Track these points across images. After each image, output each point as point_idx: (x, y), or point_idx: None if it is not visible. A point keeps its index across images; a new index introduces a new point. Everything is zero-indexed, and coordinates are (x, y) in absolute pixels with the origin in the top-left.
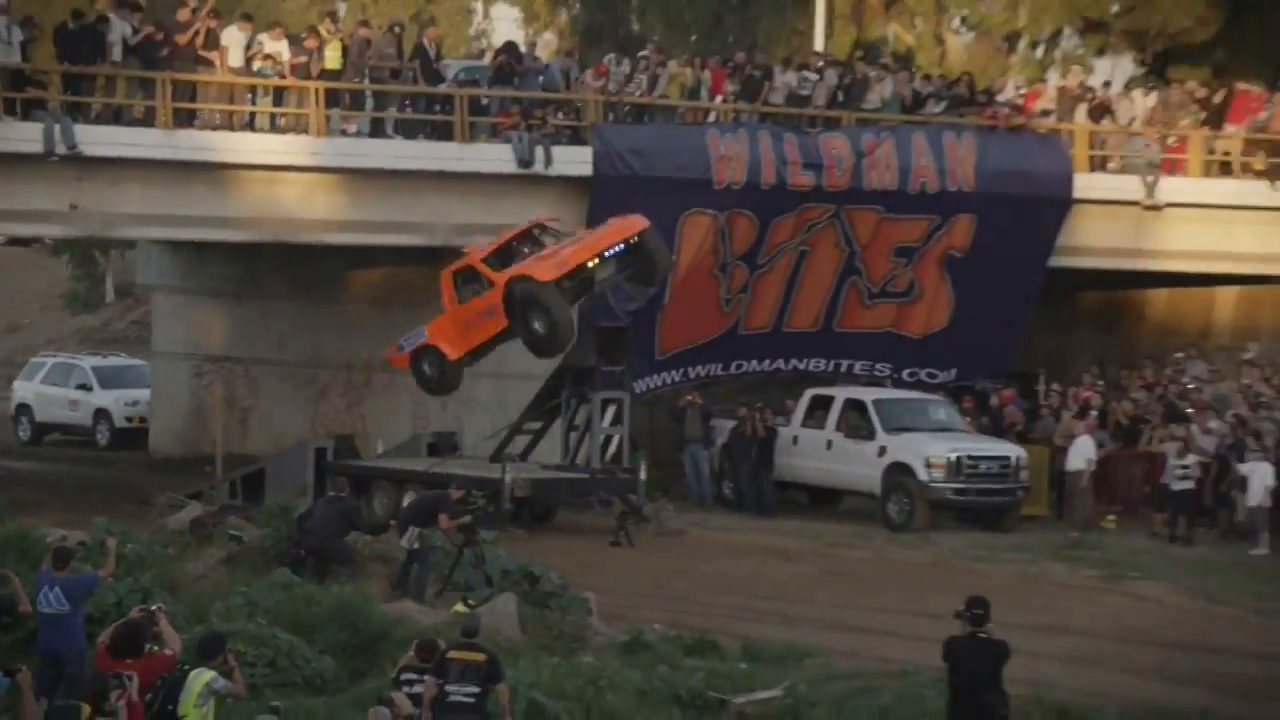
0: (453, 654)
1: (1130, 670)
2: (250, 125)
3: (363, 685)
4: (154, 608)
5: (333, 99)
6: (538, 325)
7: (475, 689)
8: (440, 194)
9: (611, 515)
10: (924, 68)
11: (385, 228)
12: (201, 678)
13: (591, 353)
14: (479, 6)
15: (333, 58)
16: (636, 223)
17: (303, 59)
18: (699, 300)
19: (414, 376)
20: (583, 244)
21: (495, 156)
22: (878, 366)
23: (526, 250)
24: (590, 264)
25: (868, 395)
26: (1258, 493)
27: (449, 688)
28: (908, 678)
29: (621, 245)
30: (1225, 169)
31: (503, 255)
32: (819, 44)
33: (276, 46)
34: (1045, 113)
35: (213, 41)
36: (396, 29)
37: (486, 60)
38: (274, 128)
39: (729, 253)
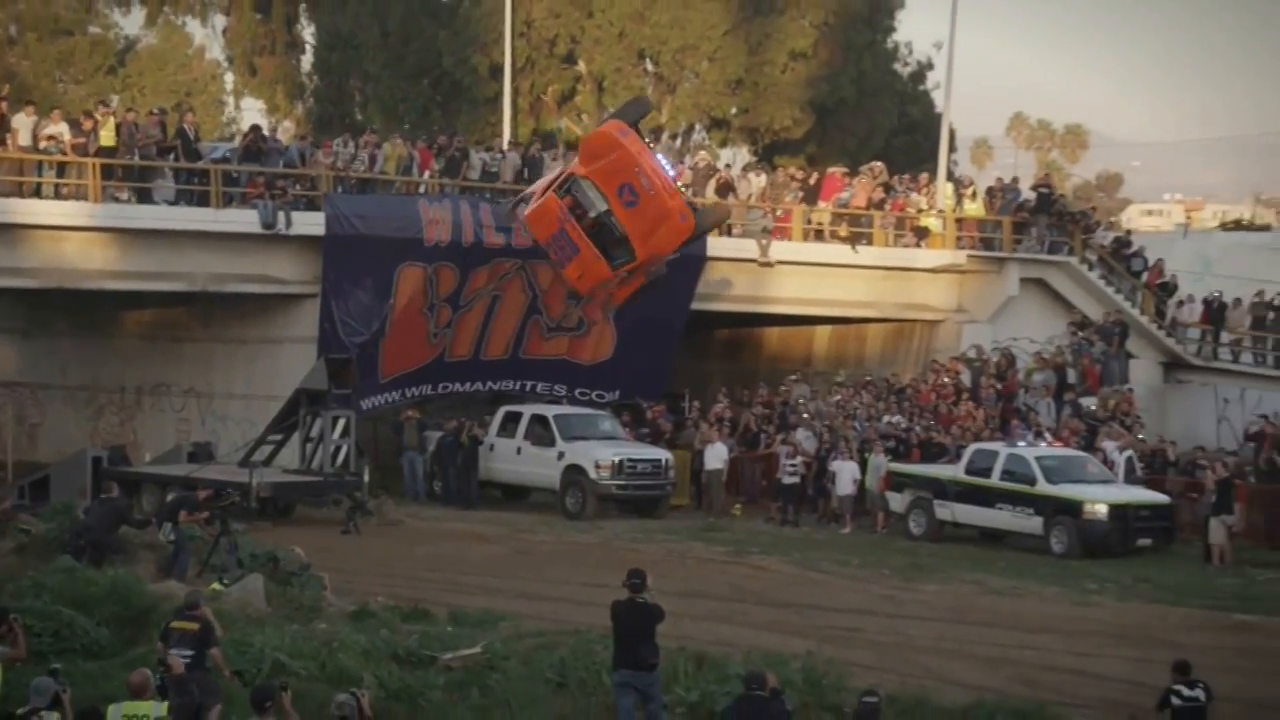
0: (174, 624)
1: (752, 625)
2: (38, 193)
3: (134, 651)
4: None
5: (108, 171)
6: None
7: (190, 652)
8: (198, 250)
9: (341, 510)
10: None
11: (152, 277)
12: None
13: (324, 378)
14: (230, 99)
15: (107, 136)
16: None
17: (81, 139)
18: (412, 334)
19: None
20: None
21: (244, 219)
22: (556, 387)
23: None
24: None
25: (549, 411)
26: (845, 485)
27: (170, 650)
28: (581, 636)
29: None
30: (819, 235)
31: None
32: (506, 132)
33: (58, 128)
34: (685, 188)
35: (4, 125)
36: (160, 114)
37: (237, 141)
38: (58, 195)
39: (436, 296)
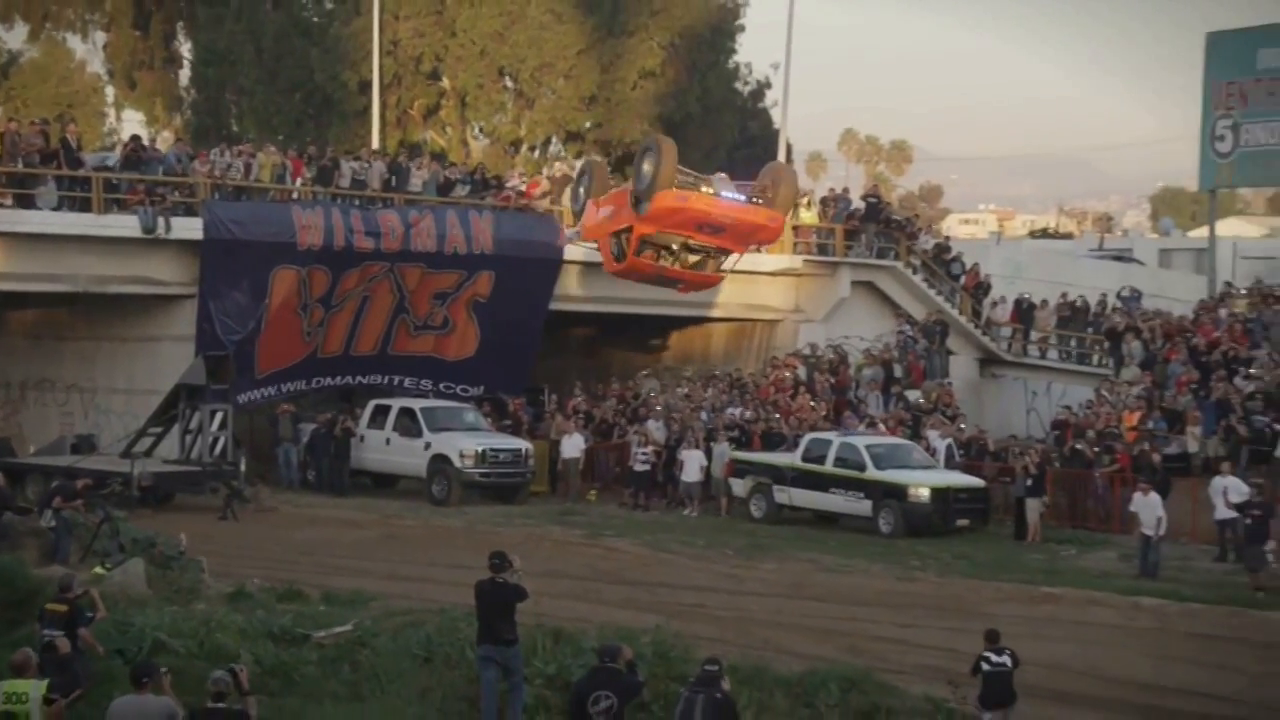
0: (48, 605)
1: (605, 602)
2: None
3: (18, 632)
4: None
5: None
6: None
7: (59, 632)
8: (81, 253)
9: (219, 498)
10: (454, 162)
11: (36, 279)
12: None
13: (202, 374)
14: (111, 111)
15: None
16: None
17: None
18: (287, 333)
19: None
20: None
21: (125, 224)
22: (422, 382)
23: None
24: None
25: (416, 404)
26: (692, 472)
27: (43, 631)
28: (446, 614)
29: None
30: None
31: None
32: (374, 143)
33: None
34: (543, 196)
35: None
36: (43, 124)
37: (118, 151)
38: None
39: (309, 297)
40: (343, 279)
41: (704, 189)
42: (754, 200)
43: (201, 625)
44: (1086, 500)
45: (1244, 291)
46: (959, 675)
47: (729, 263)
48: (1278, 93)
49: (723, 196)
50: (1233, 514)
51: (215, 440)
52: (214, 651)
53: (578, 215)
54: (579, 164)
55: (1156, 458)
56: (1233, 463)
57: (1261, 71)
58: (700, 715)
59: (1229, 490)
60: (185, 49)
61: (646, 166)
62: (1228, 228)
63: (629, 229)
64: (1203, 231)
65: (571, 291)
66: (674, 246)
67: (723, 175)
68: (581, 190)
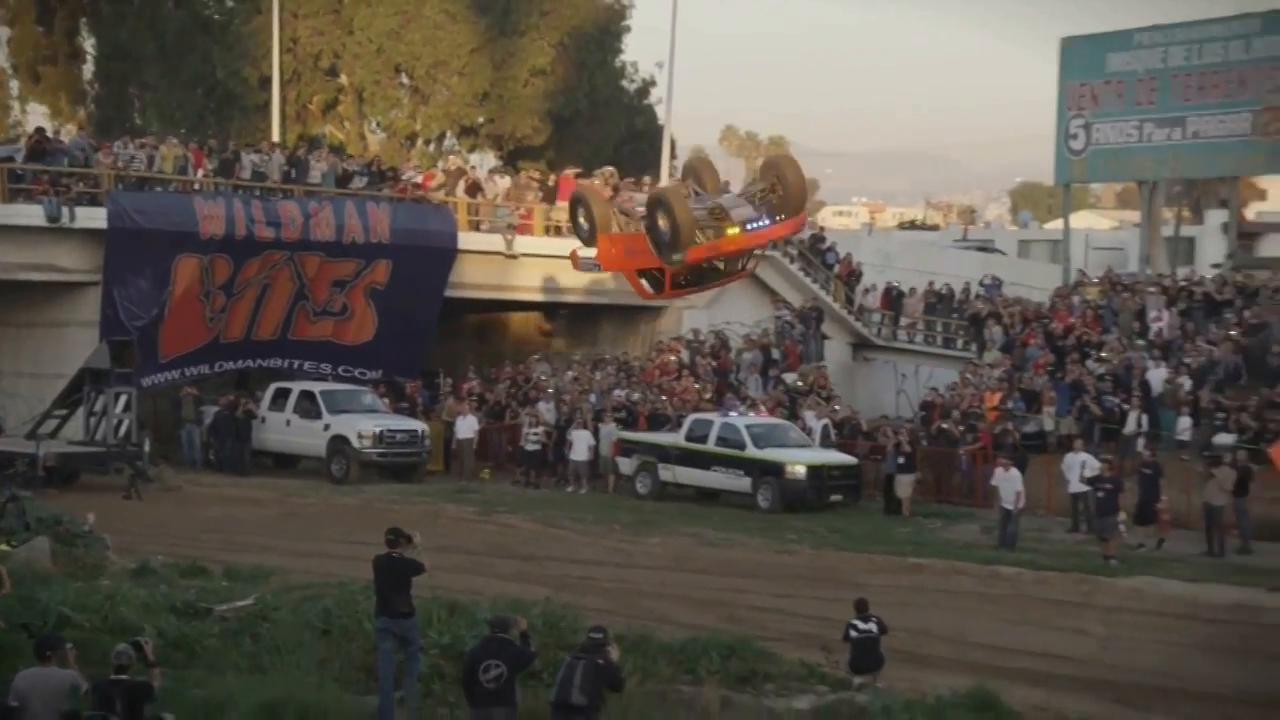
0: None
1: (498, 576)
2: None
3: None
4: None
5: None
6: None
7: None
8: None
9: (123, 478)
10: (352, 155)
11: None
12: None
13: (107, 358)
14: (15, 104)
15: None
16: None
17: None
18: (190, 319)
19: None
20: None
21: (30, 214)
22: (321, 366)
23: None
24: None
25: (316, 387)
26: (581, 451)
27: None
28: (345, 587)
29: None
30: (558, 231)
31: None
32: (275, 136)
33: None
34: (438, 188)
35: None
36: None
37: (23, 143)
38: None
39: (211, 284)
40: (244, 267)
41: (725, 226)
42: (767, 198)
43: (106, 600)
44: (952, 476)
45: (1096, 280)
46: (832, 641)
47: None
48: (1125, 94)
49: (749, 229)
50: (1085, 488)
51: (119, 422)
52: (118, 625)
53: (585, 242)
54: (572, 190)
55: (1015, 436)
56: (1085, 440)
57: (1110, 75)
58: (579, 679)
59: (1084, 465)
60: (89, 44)
61: (663, 223)
62: (1081, 220)
63: (660, 268)
64: (1058, 224)
65: (466, 279)
66: (704, 267)
67: (731, 194)
68: (583, 221)
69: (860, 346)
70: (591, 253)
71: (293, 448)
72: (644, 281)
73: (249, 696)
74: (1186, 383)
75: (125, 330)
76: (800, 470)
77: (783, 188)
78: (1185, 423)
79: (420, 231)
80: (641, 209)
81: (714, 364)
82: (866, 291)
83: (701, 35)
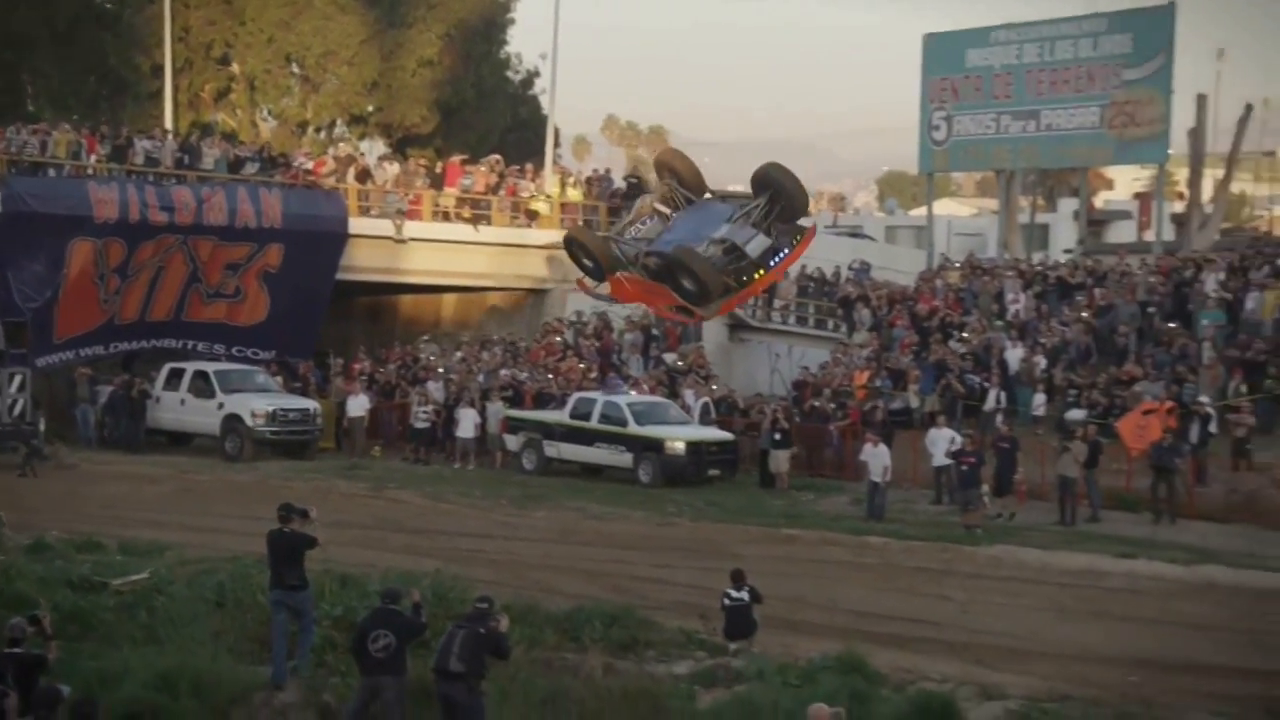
0: None
1: (389, 549)
2: None
3: None
4: None
5: None
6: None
7: None
8: None
9: (19, 456)
10: (243, 142)
11: None
12: None
13: (1, 339)
14: None
15: None
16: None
17: None
18: (84, 301)
19: None
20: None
21: None
22: (215, 347)
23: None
24: None
25: (210, 367)
26: (467, 429)
27: None
28: (239, 561)
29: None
30: (446, 216)
31: None
32: (168, 123)
33: None
34: (329, 174)
35: None
36: None
37: None
38: None
39: (106, 267)
40: (138, 250)
41: (753, 270)
42: (769, 217)
43: (1, 575)
44: (823, 451)
45: (957, 264)
46: (709, 610)
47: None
48: (984, 89)
49: (773, 265)
50: (949, 462)
51: (14, 402)
52: (14, 599)
53: (596, 279)
54: (565, 237)
55: (883, 412)
56: (948, 416)
57: (970, 69)
58: (458, 647)
59: (953, 440)
60: None
61: (687, 283)
62: (943, 207)
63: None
64: (922, 211)
65: (357, 263)
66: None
67: (724, 205)
68: (586, 262)
69: (736, 328)
70: (604, 287)
71: (187, 426)
72: (674, 309)
73: (144, 668)
74: (1041, 361)
75: (19, 312)
76: (680, 446)
77: (784, 199)
78: (1040, 399)
79: (312, 216)
80: (642, 227)
81: (597, 345)
82: None
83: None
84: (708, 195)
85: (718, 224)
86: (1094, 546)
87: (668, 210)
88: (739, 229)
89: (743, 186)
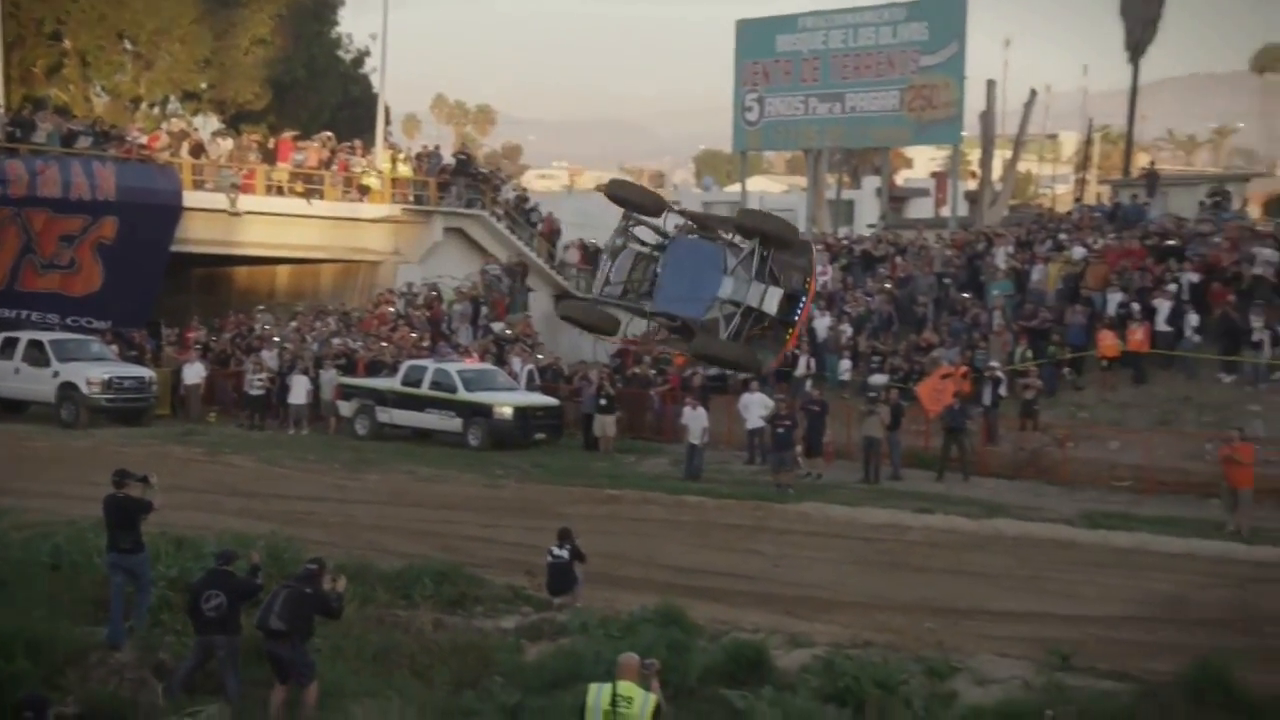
0: None
1: (224, 512)
2: None
3: None
4: None
5: None
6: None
7: None
8: None
9: None
10: (76, 116)
11: None
12: None
13: None
14: None
15: None
16: None
17: None
18: None
19: None
20: None
21: None
22: (49, 316)
23: None
24: None
25: (45, 336)
26: (299, 396)
27: None
28: (74, 525)
29: None
30: (280, 191)
31: None
32: (0, 97)
33: None
34: (163, 149)
35: None
36: None
37: None
38: None
39: None
40: None
41: (782, 333)
42: (765, 262)
43: None
44: (644, 415)
45: None
46: (535, 567)
47: None
48: (793, 72)
49: (795, 318)
50: (761, 424)
51: None
52: None
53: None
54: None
55: (701, 378)
56: (760, 381)
57: (780, 54)
58: (279, 605)
59: (759, 404)
60: None
61: (721, 362)
62: (756, 184)
63: None
64: (737, 188)
65: (192, 235)
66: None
67: (741, 283)
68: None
69: (561, 298)
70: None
71: (21, 394)
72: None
73: None
74: (847, 330)
75: None
76: (507, 411)
77: (772, 241)
78: (846, 365)
79: (146, 190)
80: (618, 267)
81: (428, 314)
82: (566, 248)
83: (414, 8)
84: (668, 212)
85: (714, 275)
86: (895, 502)
87: (642, 247)
88: (742, 284)
89: (590, 170)
